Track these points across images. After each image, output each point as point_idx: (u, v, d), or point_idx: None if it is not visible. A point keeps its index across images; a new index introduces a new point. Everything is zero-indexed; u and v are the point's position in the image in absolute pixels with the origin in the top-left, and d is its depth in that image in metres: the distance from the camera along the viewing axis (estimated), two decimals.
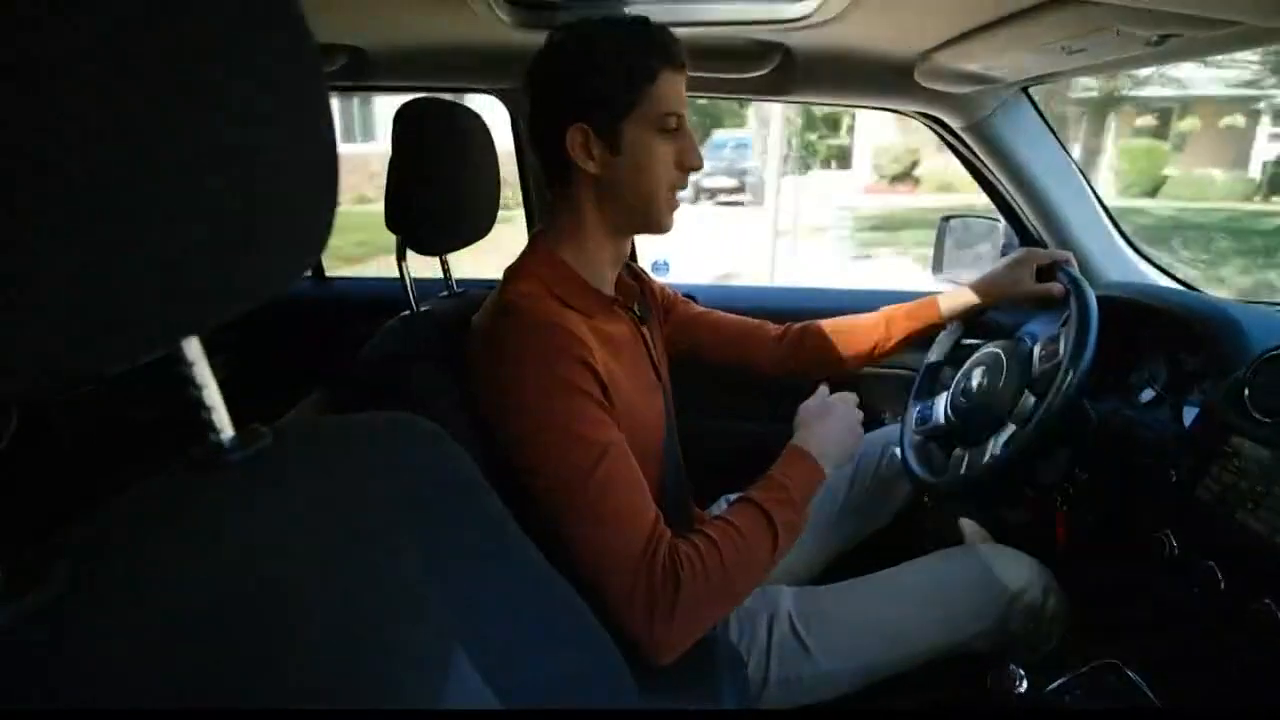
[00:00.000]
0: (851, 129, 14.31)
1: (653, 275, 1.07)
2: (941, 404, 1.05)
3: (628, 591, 0.65)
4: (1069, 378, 0.81)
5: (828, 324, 1.07)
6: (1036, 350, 0.93)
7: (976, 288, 1.02)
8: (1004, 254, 1.28)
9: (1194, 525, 0.77)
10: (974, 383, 1.00)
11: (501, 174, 0.97)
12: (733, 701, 0.76)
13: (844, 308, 1.13)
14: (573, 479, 0.66)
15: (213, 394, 0.35)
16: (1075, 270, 0.94)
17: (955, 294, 1.04)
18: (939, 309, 1.05)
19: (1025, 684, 0.74)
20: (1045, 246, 1.28)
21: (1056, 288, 0.95)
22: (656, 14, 0.92)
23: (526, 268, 0.79)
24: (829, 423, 0.85)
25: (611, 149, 0.76)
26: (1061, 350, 0.86)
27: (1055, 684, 0.75)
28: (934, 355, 1.13)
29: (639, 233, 0.84)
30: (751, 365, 1.08)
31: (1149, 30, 0.71)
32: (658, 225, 0.82)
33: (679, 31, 0.78)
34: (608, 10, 0.96)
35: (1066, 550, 0.98)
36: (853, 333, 1.06)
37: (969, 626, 0.84)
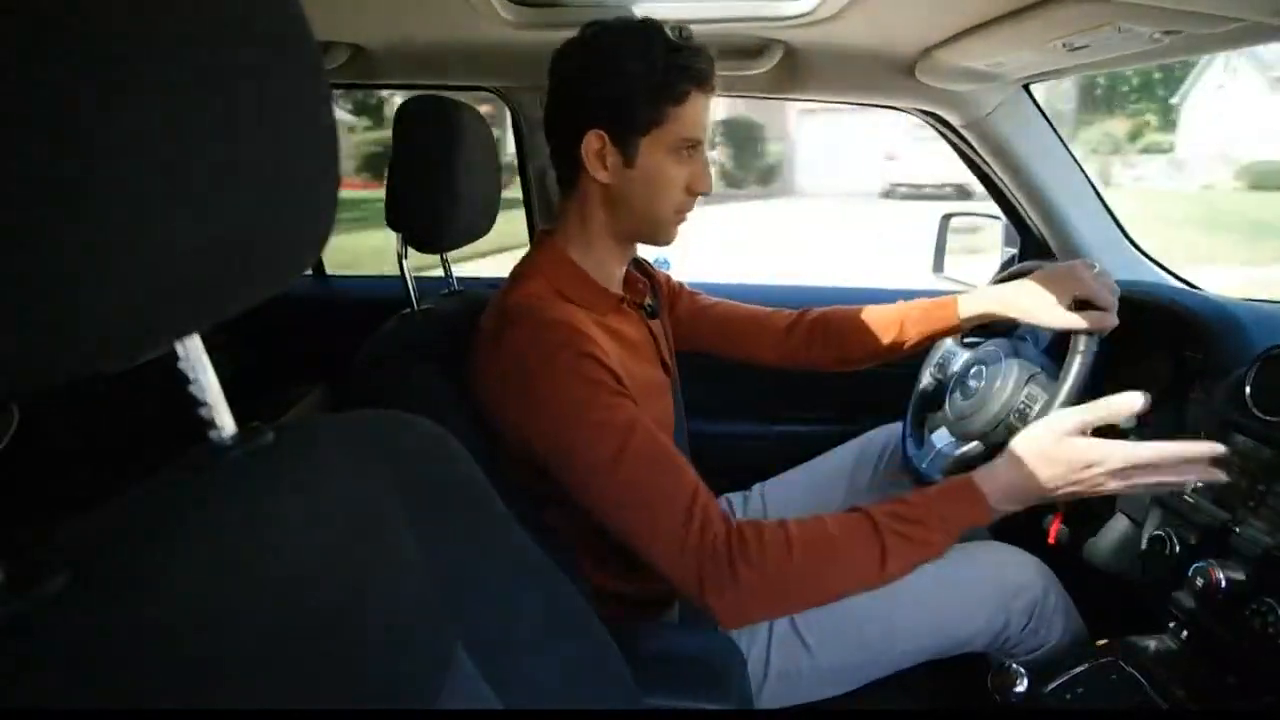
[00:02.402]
0: None
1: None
2: (942, 402, 1.06)
3: (675, 563, 0.64)
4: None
5: (841, 315, 1.03)
6: (1025, 391, 0.93)
7: (1001, 297, 0.92)
8: (1004, 256, 1.29)
9: (1194, 523, 0.77)
10: (971, 383, 1.01)
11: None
12: (732, 699, 0.76)
13: (850, 305, 1.12)
14: (600, 467, 0.66)
15: (214, 392, 0.34)
16: (1097, 337, 0.83)
17: (976, 298, 0.95)
18: (957, 312, 0.96)
19: (1025, 683, 0.74)
20: (1047, 245, 1.28)
21: (1091, 319, 0.82)
22: (657, 11, 0.92)
23: (534, 266, 0.79)
24: (1044, 467, 0.66)
25: (625, 162, 0.75)
26: (1038, 405, 0.89)
27: (1055, 683, 0.75)
28: (934, 360, 1.13)
29: (642, 242, 0.84)
30: (760, 356, 1.05)
31: (1151, 27, 0.70)
32: (660, 239, 0.82)
33: None
34: (621, 11, 0.95)
35: (1066, 548, 0.98)
36: (868, 328, 1.01)
37: (969, 625, 0.83)
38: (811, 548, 0.65)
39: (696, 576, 0.64)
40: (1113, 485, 0.65)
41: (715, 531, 0.65)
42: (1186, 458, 0.64)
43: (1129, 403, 0.65)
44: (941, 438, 1.03)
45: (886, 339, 1.00)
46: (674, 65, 0.72)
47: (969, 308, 0.96)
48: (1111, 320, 0.83)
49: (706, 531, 0.64)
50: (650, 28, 0.74)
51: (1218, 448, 0.65)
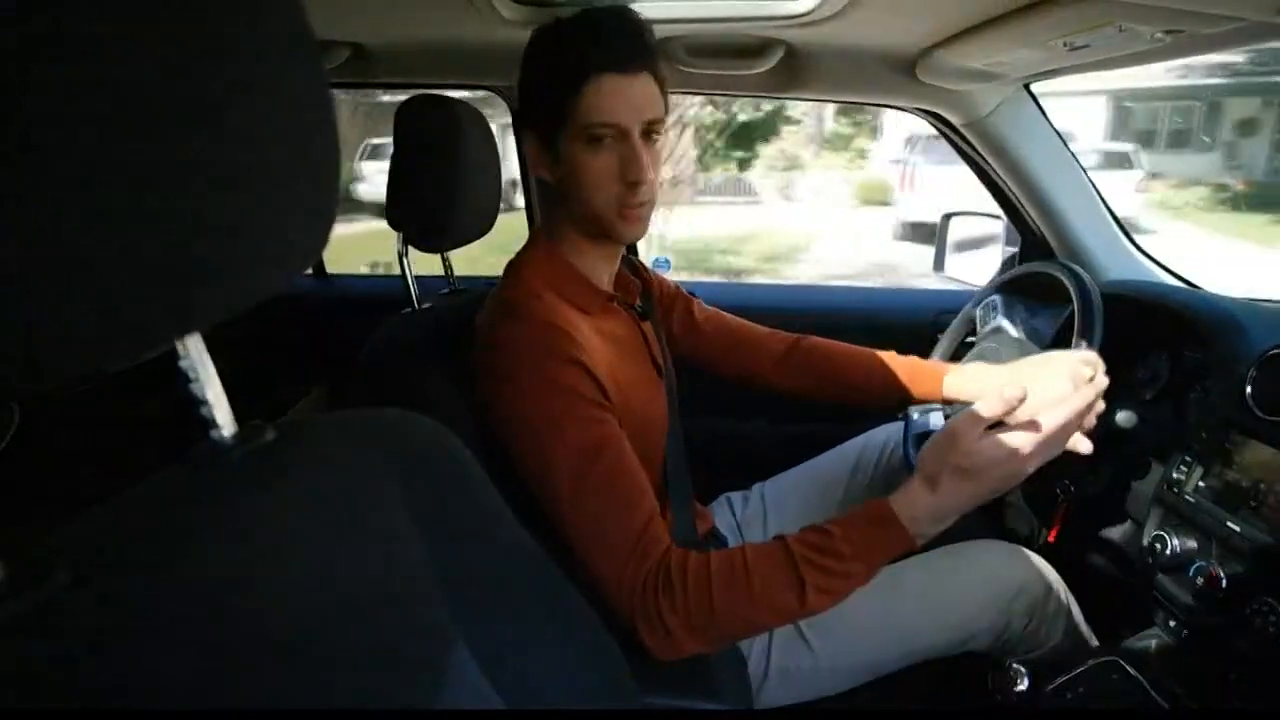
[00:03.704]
0: None
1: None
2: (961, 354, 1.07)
3: (615, 591, 0.65)
4: None
5: (834, 354, 1.03)
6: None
7: (983, 391, 0.86)
8: (1004, 256, 1.29)
9: (1195, 523, 0.77)
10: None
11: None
12: (733, 699, 0.76)
13: (851, 305, 1.12)
14: (563, 480, 0.67)
15: (214, 391, 0.34)
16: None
17: (963, 381, 0.94)
18: (942, 390, 0.96)
19: (1026, 682, 0.74)
20: (1047, 244, 1.28)
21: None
22: (655, 11, 0.92)
23: (527, 263, 0.79)
24: (958, 483, 0.64)
25: (553, 159, 0.75)
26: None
27: (1055, 683, 0.75)
28: (977, 310, 1.14)
29: (603, 238, 0.79)
30: (751, 378, 1.05)
31: (1152, 26, 0.70)
32: (613, 236, 0.77)
33: (679, 29, 0.77)
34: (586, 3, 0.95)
35: (1067, 547, 0.98)
36: (855, 375, 1.01)
37: (970, 624, 0.83)
38: (729, 584, 0.65)
39: (630, 608, 0.65)
40: (1030, 467, 0.65)
41: (649, 566, 0.65)
42: (1078, 410, 0.65)
43: (1014, 393, 0.64)
44: None
45: (870, 391, 1.00)
46: (572, 50, 0.69)
47: (953, 389, 0.95)
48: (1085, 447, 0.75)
49: (641, 566, 0.65)
50: (563, 22, 0.71)
51: (1099, 382, 0.68)
